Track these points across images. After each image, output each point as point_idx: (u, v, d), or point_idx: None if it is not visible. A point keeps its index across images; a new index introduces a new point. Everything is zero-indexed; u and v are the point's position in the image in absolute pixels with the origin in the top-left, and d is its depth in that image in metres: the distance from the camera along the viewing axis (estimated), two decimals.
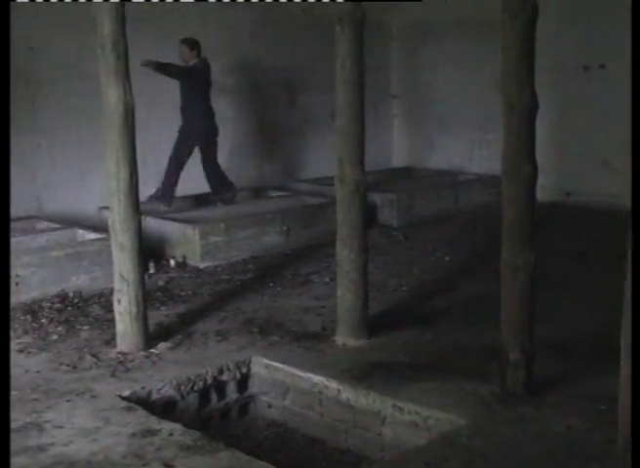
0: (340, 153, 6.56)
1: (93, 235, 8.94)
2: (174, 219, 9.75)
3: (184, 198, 10.96)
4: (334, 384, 5.89)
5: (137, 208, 6.50)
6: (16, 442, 5.05)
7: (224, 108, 11.65)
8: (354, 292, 6.65)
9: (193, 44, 10.30)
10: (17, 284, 7.89)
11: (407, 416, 5.47)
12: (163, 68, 9.97)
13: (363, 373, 6.00)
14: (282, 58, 12.49)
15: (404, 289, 8.30)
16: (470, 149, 13.69)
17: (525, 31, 5.21)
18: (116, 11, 6.28)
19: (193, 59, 10.32)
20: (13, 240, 8.65)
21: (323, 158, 12.75)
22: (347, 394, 5.80)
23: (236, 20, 11.82)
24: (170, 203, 10.42)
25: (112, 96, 6.32)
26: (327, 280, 8.54)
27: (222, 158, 11.15)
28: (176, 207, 10.47)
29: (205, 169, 10.68)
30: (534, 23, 5.23)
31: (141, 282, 6.60)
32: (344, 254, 6.62)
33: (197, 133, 10.45)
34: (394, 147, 14.57)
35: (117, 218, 6.46)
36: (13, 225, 9.27)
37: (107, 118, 6.39)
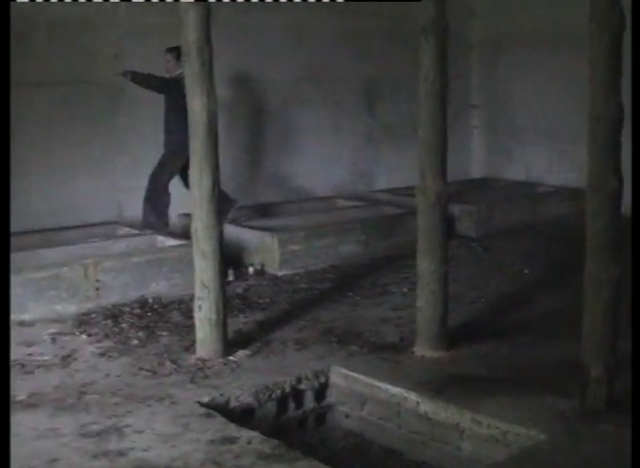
0: (421, 165, 6.53)
1: (173, 241, 9.02)
2: (253, 227, 9.78)
3: (252, 207, 11.01)
4: (412, 396, 5.86)
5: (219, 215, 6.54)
6: (96, 445, 5.13)
7: (306, 116, 11.74)
8: (434, 304, 6.62)
9: (180, 53, 8.26)
10: (97, 289, 8.00)
11: (486, 430, 5.42)
12: (141, 79, 9.49)
13: (442, 386, 5.96)
14: (363, 66, 12.48)
15: (482, 301, 8.24)
16: (549, 160, 13.54)
17: (612, 43, 5.14)
18: (201, 18, 6.34)
19: (178, 70, 9.20)
20: (94, 245, 8.81)
21: (400, 168, 12.74)
22: (426, 406, 5.77)
23: (318, 29, 11.84)
24: (166, 227, 9.85)
25: (197, 105, 6.38)
26: (405, 290, 8.51)
27: (301, 167, 11.21)
28: (248, 215, 10.50)
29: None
30: (621, 35, 5.17)
31: (222, 289, 6.64)
32: (425, 266, 6.59)
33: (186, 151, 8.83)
34: (472, 157, 14.48)
35: (200, 226, 6.50)
36: (94, 230, 9.45)
37: (192, 126, 6.44)
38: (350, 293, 8.53)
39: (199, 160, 6.42)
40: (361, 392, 6.21)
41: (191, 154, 6.49)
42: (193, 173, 6.47)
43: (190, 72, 6.42)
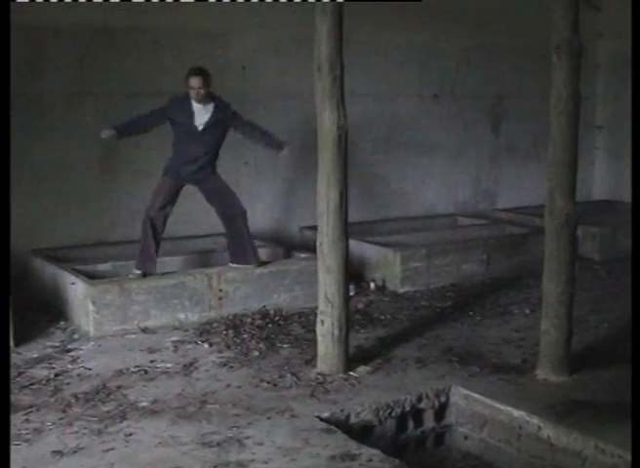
0: (550, 184, 6.42)
1: (295, 254, 9.07)
2: (375, 243, 9.76)
3: (374, 222, 11.00)
4: (534, 420, 5.75)
5: (345, 230, 6.53)
6: (217, 455, 5.16)
7: (431, 134, 11.71)
8: (558, 327, 6.49)
9: (209, 77, 8.15)
10: (220, 298, 8.08)
11: (609, 459, 5.28)
12: (131, 129, 8.25)
13: (565, 411, 5.84)
14: (488, 84, 12.37)
15: (605, 325, 8.06)
16: None
17: None
18: (334, 33, 6.35)
19: (209, 100, 8.19)
20: (217, 255, 8.89)
21: (522, 187, 12.60)
22: (548, 431, 5.66)
23: (444, 48, 11.79)
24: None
25: (327, 118, 6.38)
26: (527, 311, 8.40)
27: (424, 184, 11.15)
28: (374, 231, 10.48)
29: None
30: None
31: (346, 304, 6.63)
32: (551, 288, 6.48)
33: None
34: (595, 179, 14.22)
35: (325, 240, 6.50)
36: (219, 241, 9.53)
37: (321, 140, 6.45)
38: (471, 313, 8.44)
39: (327, 174, 6.42)
40: (481, 413, 6.13)
41: (319, 168, 6.49)
42: (320, 186, 6.48)
43: (321, 87, 6.43)
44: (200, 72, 8.02)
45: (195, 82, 7.98)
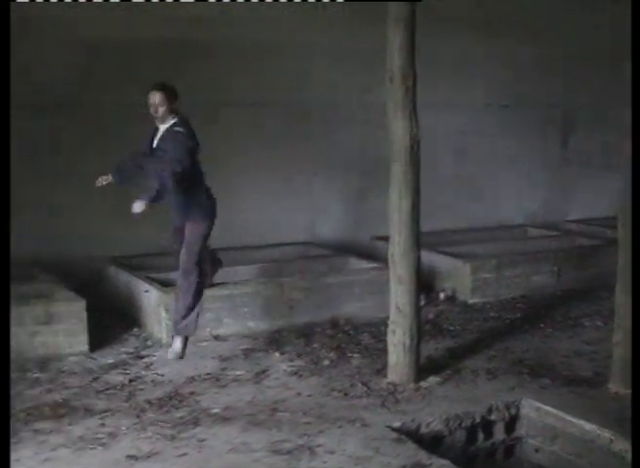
0: (624, 196, 6.38)
1: (365, 264, 9.10)
2: (445, 253, 9.76)
3: (443, 233, 11.02)
4: (606, 433, 5.71)
5: (417, 240, 6.56)
6: (287, 463, 5.21)
7: (502, 143, 11.69)
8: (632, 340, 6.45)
9: (175, 93, 7.04)
10: (291, 307, 8.14)
11: None
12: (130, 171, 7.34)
13: None
14: (562, 95, 12.30)
15: None
16: None
17: None
18: (407, 44, 6.40)
19: (170, 117, 7.01)
20: (288, 264, 8.96)
21: (593, 198, 12.49)
22: (620, 444, 5.61)
23: (518, 56, 11.74)
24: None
25: (399, 128, 6.42)
26: (599, 324, 8.35)
27: (493, 194, 11.14)
28: (443, 242, 10.49)
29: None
30: None
31: (417, 315, 6.65)
32: (624, 300, 6.43)
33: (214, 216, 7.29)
34: None
35: (397, 250, 6.53)
36: (290, 250, 9.63)
37: (393, 150, 6.48)
38: (542, 325, 8.40)
39: (399, 184, 6.46)
40: (552, 426, 6.10)
41: (391, 178, 6.53)
42: (392, 197, 6.51)
43: (394, 98, 6.47)
44: (161, 87, 6.88)
45: (153, 98, 6.88)
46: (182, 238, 7.15)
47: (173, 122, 6.94)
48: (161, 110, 6.86)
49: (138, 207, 6.60)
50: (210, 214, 7.19)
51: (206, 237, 7.19)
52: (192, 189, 7.02)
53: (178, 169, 6.68)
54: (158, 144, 7.00)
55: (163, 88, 6.88)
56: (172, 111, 6.94)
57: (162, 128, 7.00)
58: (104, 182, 7.25)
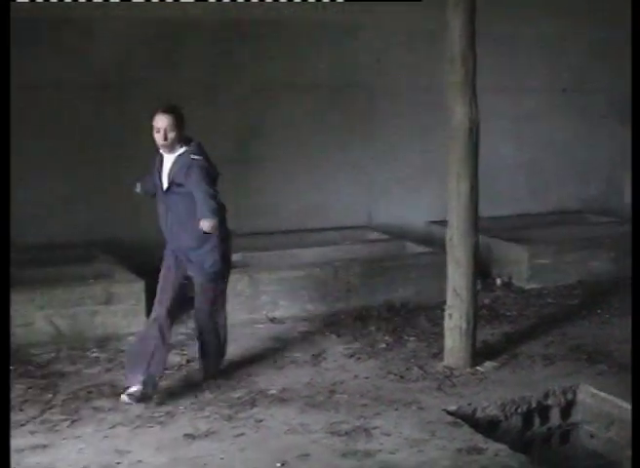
0: None
1: (421, 248, 9.10)
2: (502, 239, 9.72)
3: (499, 218, 10.94)
4: None
5: (475, 223, 6.56)
6: (345, 444, 5.25)
7: (559, 128, 11.60)
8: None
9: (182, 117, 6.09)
10: (348, 290, 8.16)
11: None
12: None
13: None
14: (618, 79, 12.15)
15: None
16: None
17: None
18: (467, 27, 6.39)
19: (179, 146, 6.07)
20: (345, 248, 8.98)
21: None
22: None
23: (573, 40, 11.64)
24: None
25: (458, 112, 6.43)
26: None
27: (550, 179, 11.08)
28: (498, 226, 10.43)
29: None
30: None
31: (474, 299, 6.66)
32: None
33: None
34: None
35: (455, 233, 6.54)
36: (345, 233, 9.65)
37: (452, 133, 6.49)
38: (599, 311, 8.36)
39: (458, 167, 6.46)
40: (609, 412, 6.08)
41: (450, 161, 6.53)
42: (451, 180, 6.51)
43: (453, 81, 6.47)
44: (171, 110, 5.99)
45: (161, 122, 5.95)
46: (179, 277, 6.19)
47: (185, 149, 6.02)
48: (170, 137, 5.92)
49: (208, 226, 5.89)
50: (226, 266, 6.28)
51: (225, 290, 6.45)
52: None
53: (214, 206, 5.95)
54: (172, 178, 6.02)
55: (173, 111, 5.99)
56: (180, 138, 6.00)
57: (170, 157, 6.06)
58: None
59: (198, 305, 6.31)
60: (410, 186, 10.68)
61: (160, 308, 6.07)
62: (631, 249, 5.54)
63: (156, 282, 6.25)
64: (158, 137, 5.94)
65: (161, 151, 6.08)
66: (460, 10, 6.38)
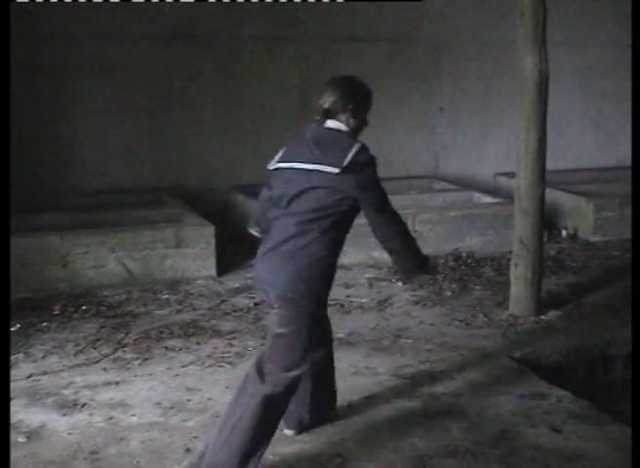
0: None
1: (489, 199, 9.15)
2: (568, 191, 9.70)
3: (565, 171, 10.85)
4: None
5: (543, 174, 6.58)
6: (409, 386, 5.36)
7: (603, 84, 11.44)
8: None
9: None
10: (415, 238, 8.21)
11: None
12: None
13: None
14: None
15: None
16: None
17: None
18: None
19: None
20: (412, 197, 9.03)
21: None
22: None
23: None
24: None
25: (528, 63, 6.43)
26: None
27: (583, 137, 11.06)
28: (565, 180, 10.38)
29: None
30: None
31: (540, 248, 6.70)
32: None
33: None
34: None
35: (522, 183, 6.57)
36: (412, 183, 9.69)
37: (521, 84, 6.50)
38: None
39: (527, 119, 6.47)
40: None
41: (518, 112, 6.55)
42: (520, 131, 6.53)
43: (524, 32, 6.46)
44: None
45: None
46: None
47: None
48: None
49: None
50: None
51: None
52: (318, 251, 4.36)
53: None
54: None
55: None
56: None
57: None
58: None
59: None
60: (478, 138, 10.69)
61: None
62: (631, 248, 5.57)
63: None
64: None
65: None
66: None
